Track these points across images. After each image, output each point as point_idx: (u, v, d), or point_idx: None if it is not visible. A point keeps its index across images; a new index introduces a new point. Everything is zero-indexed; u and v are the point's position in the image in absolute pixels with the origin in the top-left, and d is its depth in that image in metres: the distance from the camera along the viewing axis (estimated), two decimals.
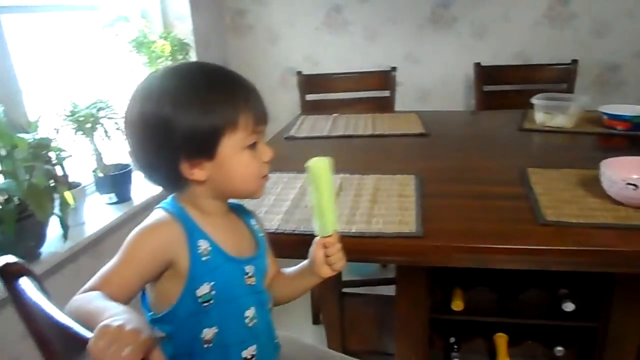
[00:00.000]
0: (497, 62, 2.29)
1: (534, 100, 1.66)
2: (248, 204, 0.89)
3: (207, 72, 0.73)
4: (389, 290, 2.06)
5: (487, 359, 1.35)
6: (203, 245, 0.73)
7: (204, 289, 0.72)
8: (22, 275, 0.65)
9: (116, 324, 0.51)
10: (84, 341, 0.51)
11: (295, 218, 1.05)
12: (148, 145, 0.72)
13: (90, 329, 0.53)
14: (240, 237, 0.81)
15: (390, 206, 1.08)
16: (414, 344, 1.34)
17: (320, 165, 0.78)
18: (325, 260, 0.81)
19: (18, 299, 0.66)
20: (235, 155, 0.72)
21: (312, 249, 0.83)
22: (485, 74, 2.24)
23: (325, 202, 0.79)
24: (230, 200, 0.82)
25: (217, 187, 0.74)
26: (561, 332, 1.34)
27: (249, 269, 0.78)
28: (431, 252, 0.95)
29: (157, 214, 0.75)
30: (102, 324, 0.51)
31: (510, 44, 2.38)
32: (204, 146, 0.70)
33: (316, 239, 0.82)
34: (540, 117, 1.67)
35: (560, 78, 2.18)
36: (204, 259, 0.72)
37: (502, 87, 2.28)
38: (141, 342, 0.50)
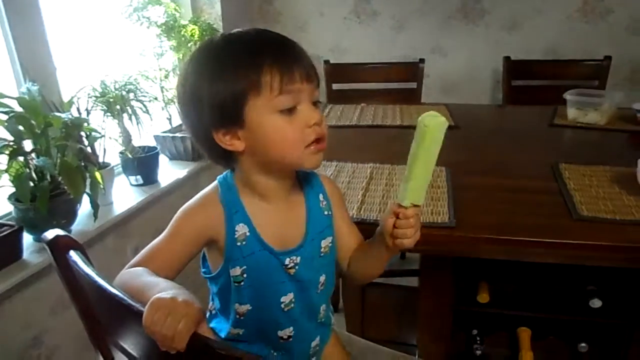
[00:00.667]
0: (527, 57, 2.25)
1: (567, 96, 1.63)
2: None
3: (238, 36, 0.69)
4: (409, 282, 2.07)
5: (509, 353, 1.35)
6: (241, 230, 0.72)
7: (236, 271, 0.73)
8: (71, 249, 0.67)
9: (169, 296, 0.53)
10: (137, 313, 0.53)
11: None
12: (187, 119, 0.72)
13: (139, 304, 0.55)
14: (290, 227, 0.76)
15: None
16: (436, 335, 1.34)
17: (427, 125, 0.64)
18: (393, 231, 0.70)
19: (67, 272, 0.68)
20: (266, 119, 0.66)
21: (383, 216, 0.73)
22: (515, 69, 2.21)
23: (420, 167, 0.67)
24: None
25: (258, 158, 0.70)
26: (586, 329, 1.33)
27: (291, 260, 0.74)
28: (463, 243, 0.95)
29: (210, 188, 0.75)
30: (155, 297, 0.53)
31: (541, 39, 2.33)
32: (230, 113, 0.66)
33: (391, 204, 0.72)
34: (572, 113, 1.64)
35: (592, 74, 2.14)
36: (239, 243, 0.72)
37: (531, 82, 2.25)
38: (194, 314, 0.52)
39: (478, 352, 1.34)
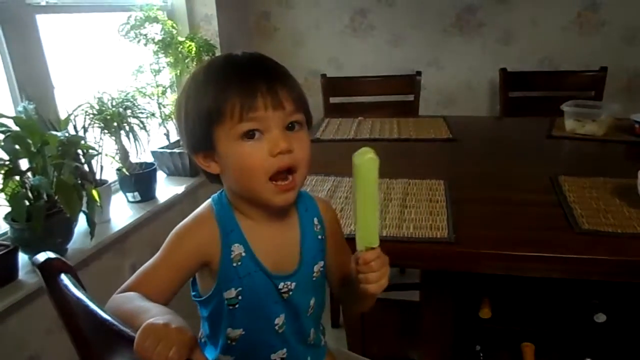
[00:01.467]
0: (523, 68, 2.26)
1: (565, 107, 1.63)
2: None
3: (214, 60, 0.71)
4: (410, 295, 2.05)
5: None
6: (237, 250, 0.70)
7: (230, 293, 0.71)
8: (62, 272, 0.66)
9: (161, 322, 0.51)
10: (128, 339, 0.51)
11: None
12: (181, 133, 0.73)
13: (131, 329, 0.53)
14: (284, 250, 0.74)
15: (421, 211, 1.07)
16: (439, 352, 1.32)
17: (364, 160, 0.62)
18: (357, 276, 0.67)
19: (58, 295, 0.66)
20: (231, 146, 0.65)
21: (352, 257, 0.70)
22: (511, 80, 2.21)
23: (362, 210, 0.64)
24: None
25: (229, 185, 0.70)
26: (591, 344, 1.31)
27: (285, 285, 0.72)
28: (464, 259, 0.94)
29: (205, 207, 0.74)
30: (146, 322, 0.51)
31: (537, 50, 2.34)
32: (202, 138, 0.67)
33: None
34: (570, 124, 1.64)
35: (588, 85, 2.14)
36: (235, 264, 0.70)
37: (528, 94, 2.25)
38: (186, 341, 0.50)
39: None
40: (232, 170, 0.67)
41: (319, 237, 0.77)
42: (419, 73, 2.21)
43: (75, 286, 0.63)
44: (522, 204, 1.12)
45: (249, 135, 0.64)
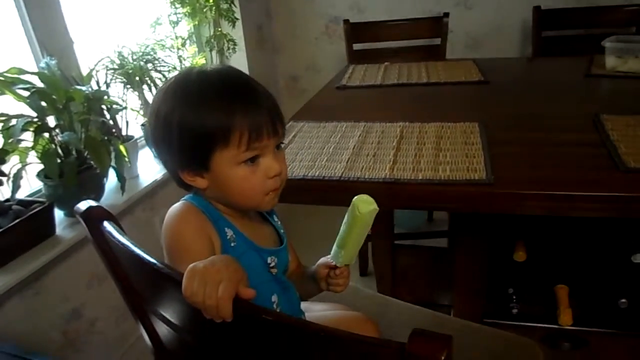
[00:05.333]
0: (557, 5, 2.13)
1: (606, 43, 1.54)
2: None
3: (214, 82, 0.67)
4: (437, 243, 2.05)
5: (546, 311, 1.32)
6: (229, 232, 0.71)
7: None
8: (104, 219, 0.66)
9: (202, 264, 0.51)
10: (176, 281, 0.51)
11: (358, 166, 1.02)
12: (158, 142, 0.70)
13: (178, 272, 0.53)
14: (264, 231, 0.79)
15: (456, 154, 1.04)
16: (471, 295, 1.33)
17: (363, 212, 0.71)
18: (327, 279, 0.81)
19: (102, 242, 0.67)
20: (230, 170, 0.67)
21: (319, 263, 0.83)
22: (546, 18, 2.09)
23: (353, 240, 0.75)
24: None
25: (218, 197, 0.71)
26: (626, 284, 1.29)
27: (272, 259, 0.76)
28: (503, 200, 0.91)
29: (182, 205, 0.70)
30: (190, 265, 0.51)
31: None
32: (197, 159, 0.67)
33: (325, 258, 0.81)
34: (611, 62, 1.55)
35: (630, 21, 2.01)
36: (232, 244, 0.70)
37: (563, 33, 2.13)
38: (232, 277, 0.50)
39: (514, 311, 1.32)
40: (229, 189, 0.69)
41: (282, 230, 0.83)
42: (446, 15, 2.11)
43: (119, 232, 0.63)
44: (562, 144, 1.08)
45: (252, 160, 0.68)
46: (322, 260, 0.82)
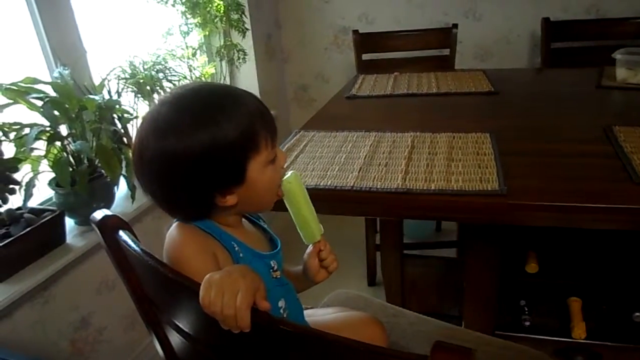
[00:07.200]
0: (566, 17, 2.13)
1: (617, 55, 1.54)
2: None
3: (206, 100, 0.65)
4: (445, 254, 2.04)
5: (559, 324, 1.31)
6: (235, 245, 0.70)
7: None
8: (119, 229, 0.66)
9: (218, 274, 0.51)
10: (192, 291, 0.51)
11: (370, 176, 1.02)
12: (174, 183, 0.65)
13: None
14: (258, 237, 0.80)
15: (468, 164, 1.04)
16: (483, 307, 1.31)
17: (291, 181, 0.75)
18: (322, 263, 0.82)
19: (116, 251, 0.67)
20: (262, 173, 0.69)
21: (305, 258, 0.83)
22: (555, 30, 2.09)
23: (305, 211, 0.78)
24: None
25: (244, 206, 0.71)
26: None
27: (274, 263, 0.77)
28: (517, 211, 0.90)
29: (181, 229, 0.68)
30: (208, 275, 0.51)
31: None
32: (231, 175, 0.66)
33: (308, 249, 0.82)
34: (621, 73, 1.54)
35: (638, 33, 2.00)
36: (240, 255, 0.70)
37: (572, 44, 2.13)
38: (249, 286, 0.50)
39: (527, 324, 1.31)
40: (261, 192, 0.70)
41: (271, 232, 0.84)
42: (455, 26, 2.11)
43: (134, 242, 0.63)
44: (575, 155, 1.07)
45: (273, 159, 0.70)
46: (305, 255, 0.83)
